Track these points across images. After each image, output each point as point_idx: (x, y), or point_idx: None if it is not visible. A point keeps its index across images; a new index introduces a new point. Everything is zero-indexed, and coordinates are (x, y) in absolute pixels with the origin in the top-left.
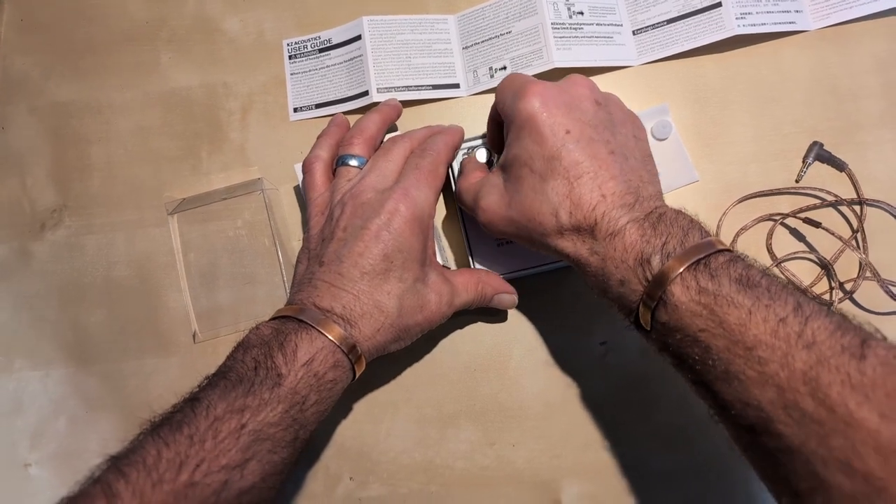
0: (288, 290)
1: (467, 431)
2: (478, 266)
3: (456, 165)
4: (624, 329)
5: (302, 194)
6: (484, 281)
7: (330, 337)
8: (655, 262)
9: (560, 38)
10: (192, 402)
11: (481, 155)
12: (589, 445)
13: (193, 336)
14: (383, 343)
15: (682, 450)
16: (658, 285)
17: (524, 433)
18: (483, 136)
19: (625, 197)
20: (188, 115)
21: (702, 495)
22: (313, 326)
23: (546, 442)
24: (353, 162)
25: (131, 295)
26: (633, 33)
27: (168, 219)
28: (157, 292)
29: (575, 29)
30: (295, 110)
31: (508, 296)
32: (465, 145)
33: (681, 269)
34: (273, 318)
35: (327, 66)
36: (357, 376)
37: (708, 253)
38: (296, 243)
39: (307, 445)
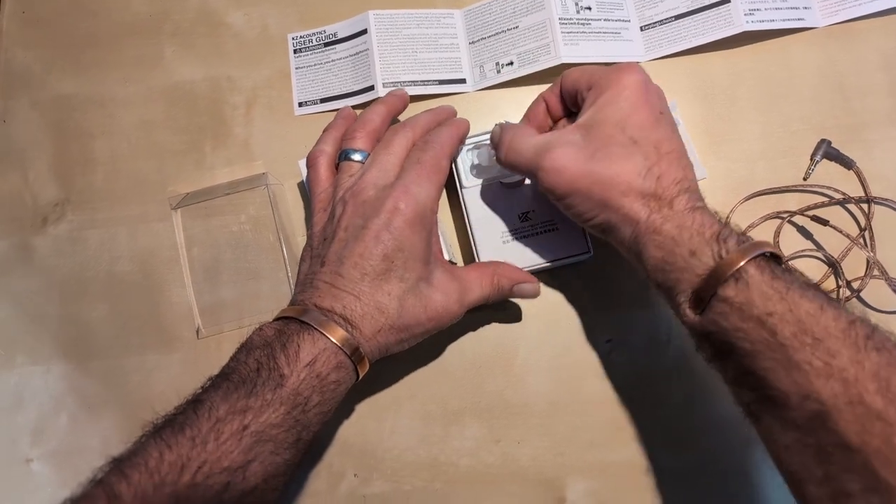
0: (292, 286)
1: (472, 429)
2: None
3: (461, 162)
4: (629, 326)
5: (306, 190)
6: (499, 273)
7: (332, 338)
8: (732, 242)
9: (568, 33)
10: (194, 403)
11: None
12: (594, 443)
13: (197, 332)
14: (385, 344)
15: (689, 447)
16: (733, 262)
17: (529, 430)
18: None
19: (698, 186)
20: (192, 110)
21: (708, 493)
22: (315, 328)
23: (551, 439)
24: (356, 157)
25: (134, 290)
26: (641, 29)
27: (171, 213)
28: (161, 288)
29: (582, 24)
30: (300, 105)
31: (529, 285)
32: (469, 141)
33: (757, 253)
34: (276, 319)
35: (333, 61)
36: (360, 377)
37: (775, 252)
38: (300, 239)
39: (310, 447)
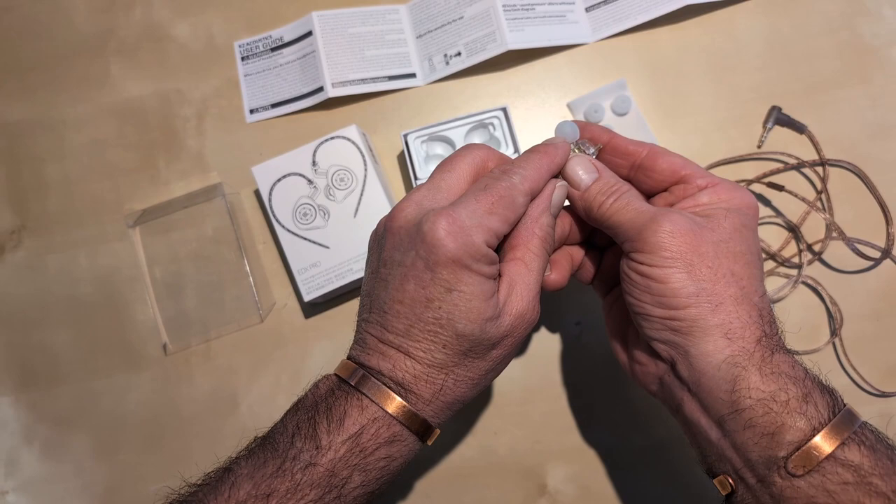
0: (257, 296)
1: (447, 423)
2: None
3: (415, 153)
4: (598, 307)
5: (263, 198)
6: (530, 231)
7: (384, 407)
8: (838, 395)
9: (512, 19)
10: (224, 472)
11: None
12: (571, 427)
13: (164, 348)
14: (451, 402)
15: (663, 425)
16: (853, 417)
17: (505, 420)
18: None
19: None
20: (143, 125)
21: (685, 469)
22: (364, 394)
23: (528, 427)
24: None
25: (98, 312)
26: (586, 10)
27: (129, 232)
28: (125, 307)
29: (526, 10)
30: (251, 112)
31: (558, 191)
32: (423, 132)
33: (862, 421)
34: (337, 373)
35: (281, 65)
36: (430, 443)
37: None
38: (261, 247)
39: None
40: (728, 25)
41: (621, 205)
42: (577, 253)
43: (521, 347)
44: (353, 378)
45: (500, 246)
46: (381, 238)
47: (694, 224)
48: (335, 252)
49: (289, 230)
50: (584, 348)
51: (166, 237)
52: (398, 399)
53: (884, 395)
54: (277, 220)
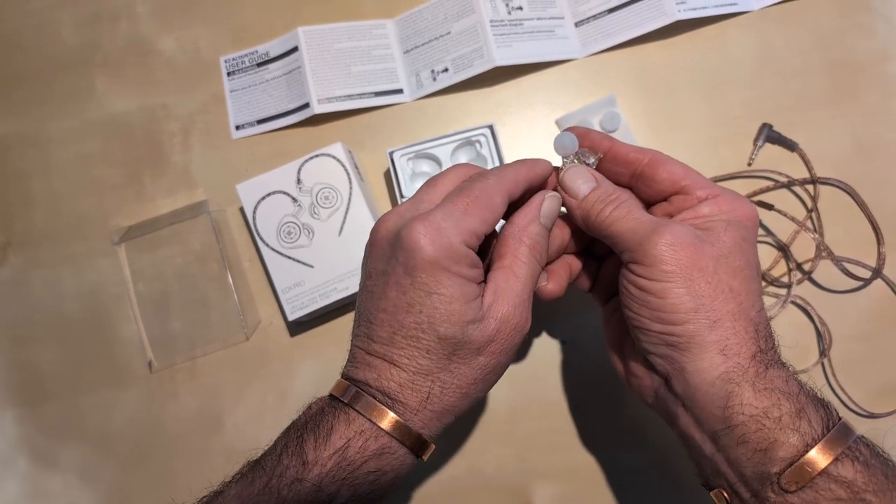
0: (242, 314)
1: (440, 436)
2: None
3: (401, 171)
4: (584, 326)
5: (248, 216)
6: (517, 237)
7: (370, 418)
8: (833, 409)
9: (500, 35)
10: (215, 495)
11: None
12: (557, 446)
13: (149, 366)
14: (440, 411)
15: (651, 444)
16: (847, 433)
17: (491, 439)
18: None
19: None
20: (129, 141)
21: (672, 488)
22: (350, 406)
23: (514, 446)
24: None
25: (83, 329)
26: (576, 25)
27: (115, 248)
28: (110, 324)
29: (515, 25)
30: (237, 128)
31: (548, 201)
32: (411, 149)
33: (856, 434)
34: (332, 392)
35: (267, 81)
36: (424, 459)
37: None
38: (246, 265)
39: None
40: (719, 41)
41: (620, 214)
42: (576, 263)
43: (514, 358)
44: (347, 395)
45: (490, 257)
46: (367, 252)
47: (695, 237)
48: (319, 271)
49: (273, 249)
50: (571, 367)
51: (152, 254)
52: (384, 409)
53: (872, 416)
54: (262, 239)
